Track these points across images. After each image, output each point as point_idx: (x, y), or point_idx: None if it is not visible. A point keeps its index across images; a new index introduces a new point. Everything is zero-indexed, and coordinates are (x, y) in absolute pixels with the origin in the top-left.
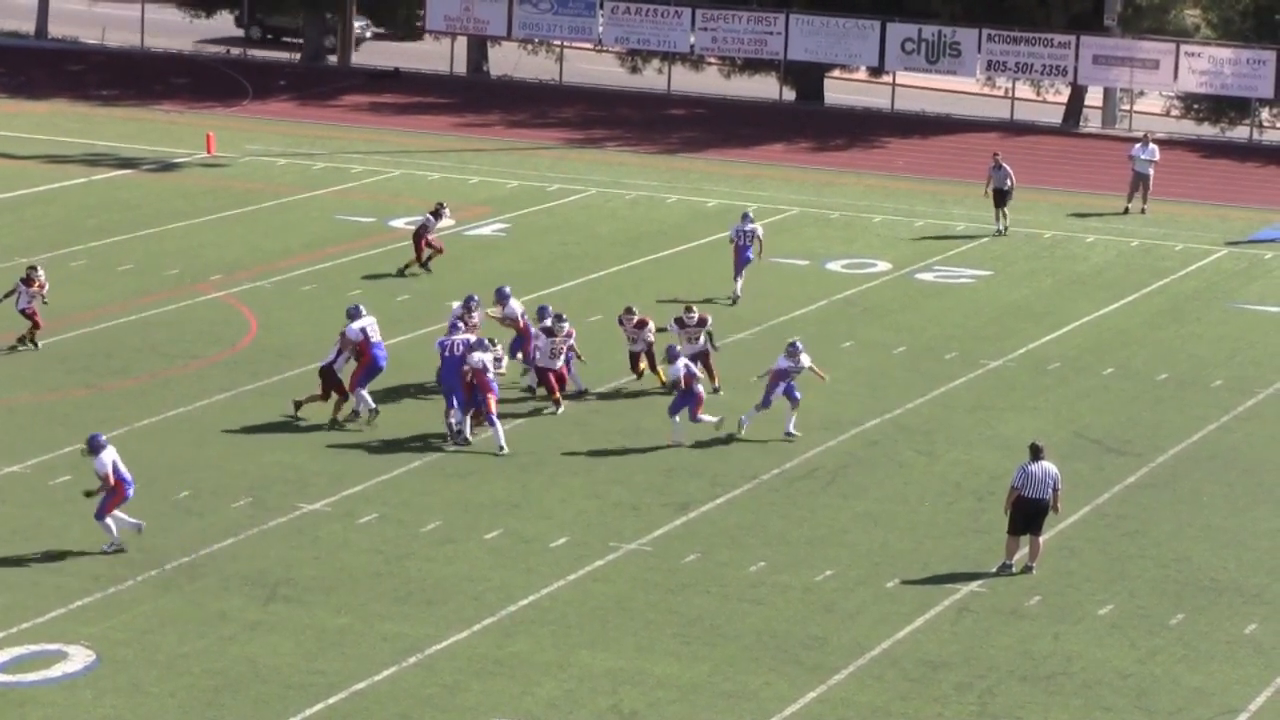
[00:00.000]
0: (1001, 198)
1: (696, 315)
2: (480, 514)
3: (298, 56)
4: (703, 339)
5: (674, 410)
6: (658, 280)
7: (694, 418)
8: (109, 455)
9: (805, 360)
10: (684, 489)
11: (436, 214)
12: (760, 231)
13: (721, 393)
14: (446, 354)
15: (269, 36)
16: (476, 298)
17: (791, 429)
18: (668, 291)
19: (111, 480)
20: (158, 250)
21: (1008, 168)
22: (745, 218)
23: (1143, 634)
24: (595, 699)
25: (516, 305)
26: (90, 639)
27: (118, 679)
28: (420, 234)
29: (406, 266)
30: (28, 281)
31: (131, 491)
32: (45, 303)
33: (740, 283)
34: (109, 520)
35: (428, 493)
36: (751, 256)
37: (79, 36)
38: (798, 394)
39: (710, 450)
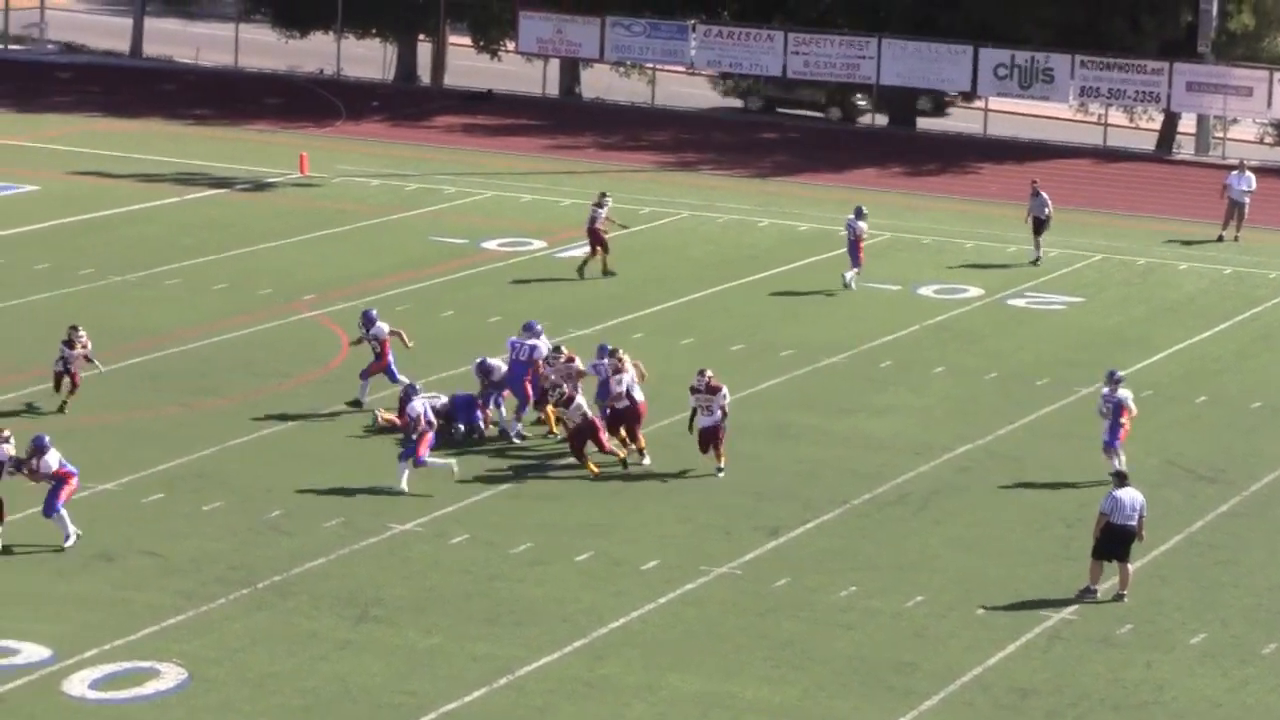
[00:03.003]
0: (1039, 226)
1: (705, 380)
2: (570, 536)
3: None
4: (717, 412)
5: (407, 455)
6: (749, 304)
7: (419, 460)
8: (54, 457)
9: (1123, 393)
10: (774, 513)
11: (600, 203)
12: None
13: (723, 474)
14: (514, 356)
15: (775, 108)
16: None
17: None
18: (759, 315)
19: (61, 471)
20: (251, 270)
21: (1045, 196)
22: (858, 213)
23: (1235, 663)
24: None
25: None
26: (182, 657)
27: (209, 697)
28: (594, 228)
29: (602, 268)
30: (69, 344)
31: (78, 481)
32: (89, 360)
33: (854, 274)
34: (63, 512)
35: (518, 514)
36: (862, 255)
37: (173, 56)
38: (1118, 442)
39: (801, 475)
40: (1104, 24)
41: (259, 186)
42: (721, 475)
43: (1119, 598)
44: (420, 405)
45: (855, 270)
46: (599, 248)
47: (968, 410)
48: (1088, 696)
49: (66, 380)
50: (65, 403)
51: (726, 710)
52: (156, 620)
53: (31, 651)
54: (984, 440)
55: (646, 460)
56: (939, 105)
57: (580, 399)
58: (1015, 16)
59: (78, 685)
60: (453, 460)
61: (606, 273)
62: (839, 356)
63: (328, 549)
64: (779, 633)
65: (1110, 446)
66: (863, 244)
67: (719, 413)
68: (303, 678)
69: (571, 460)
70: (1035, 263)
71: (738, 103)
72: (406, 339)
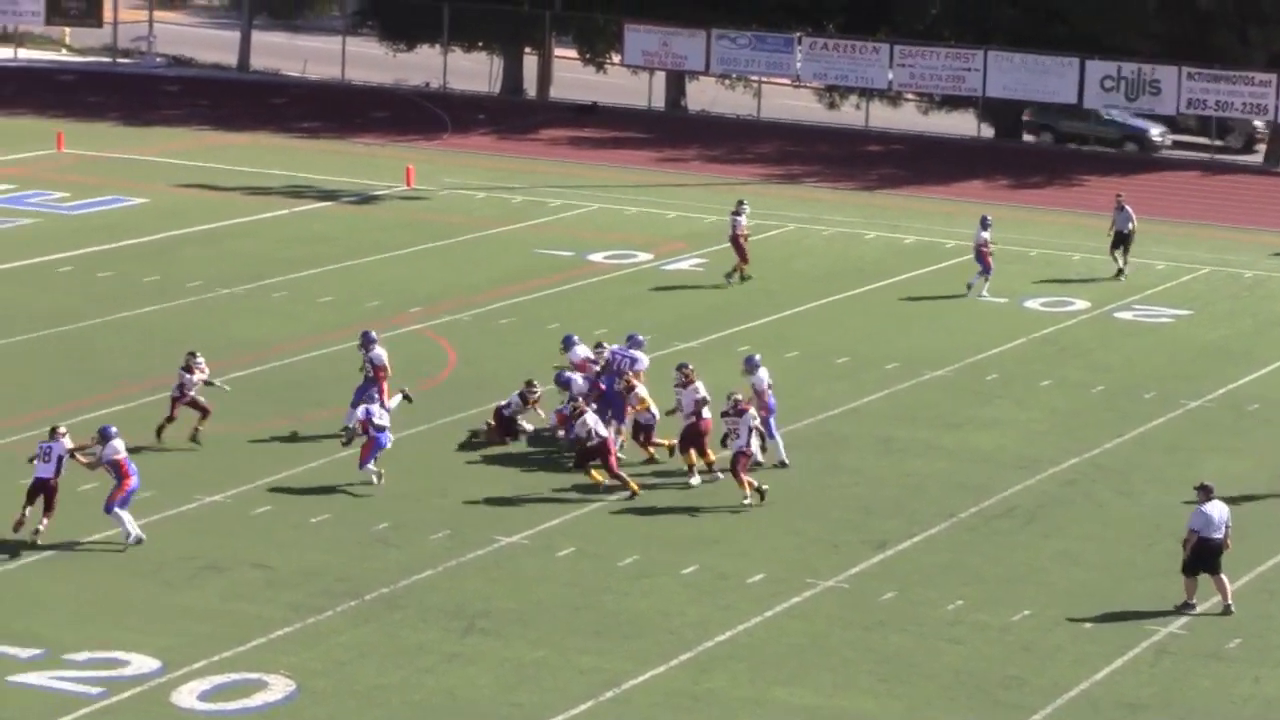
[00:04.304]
0: (1121, 240)
1: (733, 403)
2: (677, 549)
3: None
4: (743, 435)
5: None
6: (854, 317)
7: (361, 464)
8: (119, 444)
9: None
10: (881, 527)
11: (738, 211)
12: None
13: (748, 502)
14: (616, 367)
15: (1066, 144)
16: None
17: None
18: (864, 328)
19: (122, 463)
20: (357, 282)
21: (1130, 210)
22: (983, 222)
23: None
24: None
25: (581, 351)
26: (290, 669)
27: (317, 710)
28: (735, 236)
29: (737, 272)
30: (188, 370)
31: (137, 482)
32: (210, 384)
33: (981, 283)
34: (118, 512)
35: (624, 527)
36: (991, 264)
37: (281, 69)
38: None
39: (907, 488)
40: (1211, 36)
41: (366, 199)
42: (748, 503)
43: (1227, 610)
44: (363, 412)
45: (981, 277)
46: (741, 255)
47: (1074, 424)
48: (1195, 711)
49: (189, 410)
50: (199, 430)
51: None
52: (265, 632)
53: (141, 663)
54: (1091, 454)
55: (695, 480)
56: (1248, 141)
57: (590, 416)
58: (1122, 28)
59: (187, 697)
60: (376, 476)
61: (729, 276)
62: (945, 369)
63: (434, 561)
64: (886, 646)
65: None
66: (987, 253)
67: (746, 436)
68: (410, 690)
69: (676, 470)
70: (1119, 276)
71: (1029, 137)
72: (385, 392)
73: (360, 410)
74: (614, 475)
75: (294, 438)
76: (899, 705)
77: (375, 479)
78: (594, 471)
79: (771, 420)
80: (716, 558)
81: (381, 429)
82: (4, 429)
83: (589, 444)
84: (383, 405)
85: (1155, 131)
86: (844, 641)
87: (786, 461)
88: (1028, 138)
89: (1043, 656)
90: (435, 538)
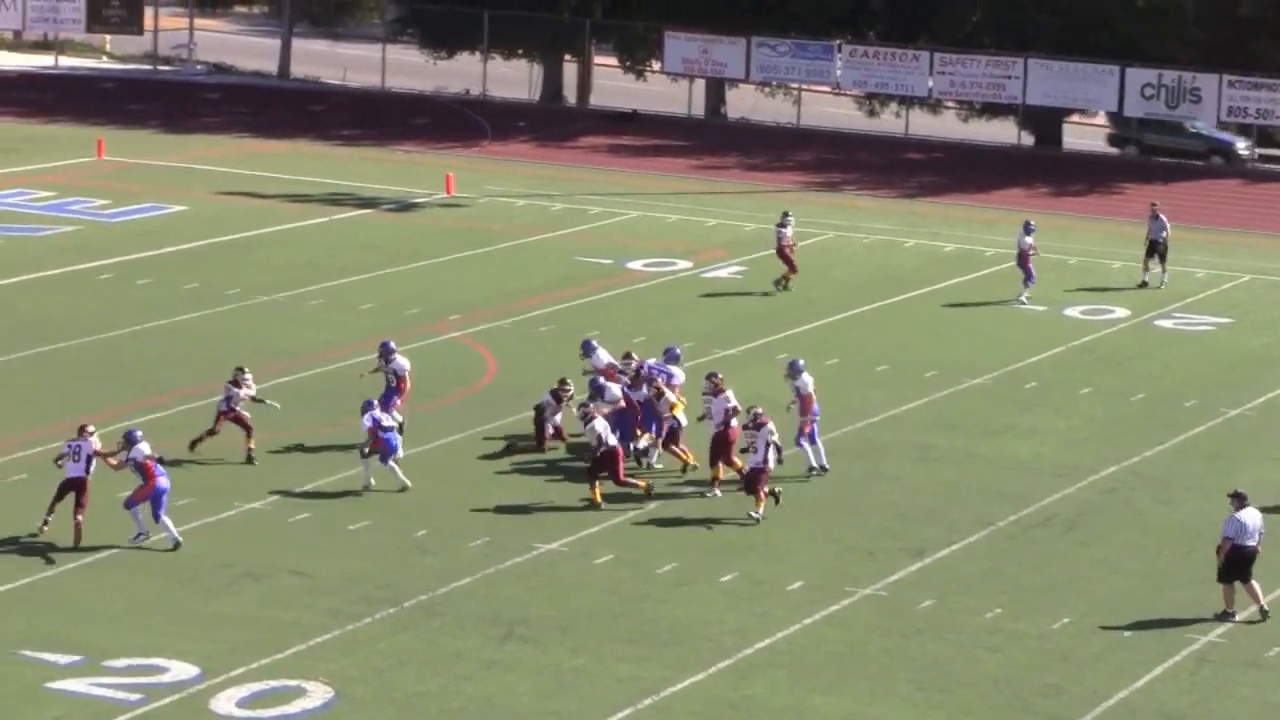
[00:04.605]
0: (1156, 249)
1: (753, 415)
2: (715, 556)
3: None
4: (761, 449)
5: (373, 456)
6: (894, 325)
7: (385, 460)
8: (146, 446)
9: None
10: (919, 534)
11: (783, 223)
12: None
13: (757, 517)
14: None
15: (1151, 155)
16: None
17: None
18: (903, 336)
19: (148, 465)
20: (397, 290)
21: (1164, 219)
22: (1025, 228)
23: None
24: None
25: (604, 356)
26: (328, 676)
27: (355, 717)
28: (782, 248)
29: (785, 280)
30: (235, 384)
31: (166, 484)
32: (257, 400)
33: (1025, 290)
34: (138, 510)
35: (663, 535)
36: (1033, 269)
37: (320, 77)
38: None
39: (946, 496)
40: (1251, 43)
41: (405, 207)
42: (754, 516)
43: (1264, 614)
44: (369, 420)
45: (1025, 285)
46: (789, 266)
47: (1114, 432)
48: None
49: (233, 425)
50: (251, 449)
51: None
52: (304, 639)
53: (180, 669)
54: (1131, 462)
55: (714, 493)
56: None
57: (599, 423)
58: (1162, 36)
59: (225, 703)
60: (371, 479)
61: (778, 284)
62: (984, 377)
63: (473, 569)
64: (924, 654)
65: None
66: (1029, 259)
67: (764, 450)
68: (448, 698)
69: (706, 480)
70: (1143, 285)
71: (1113, 150)
72: (404, 400)
73: (366, 419)
74: (620, 484)
75: (333, 446)
76: (937, 713)
77: (369, 481)
78: (597, 490)
79: (814, 425)
80: (755, 565)
81: (390, 429)
82: (44, 435)
83: (599, 452)
84: (386, 410)
85: (1241, 145)
86: (882, 649)
87: (827, 466)
88: (1112, 150)
89: (1081, 665)
90: (473, 545)
